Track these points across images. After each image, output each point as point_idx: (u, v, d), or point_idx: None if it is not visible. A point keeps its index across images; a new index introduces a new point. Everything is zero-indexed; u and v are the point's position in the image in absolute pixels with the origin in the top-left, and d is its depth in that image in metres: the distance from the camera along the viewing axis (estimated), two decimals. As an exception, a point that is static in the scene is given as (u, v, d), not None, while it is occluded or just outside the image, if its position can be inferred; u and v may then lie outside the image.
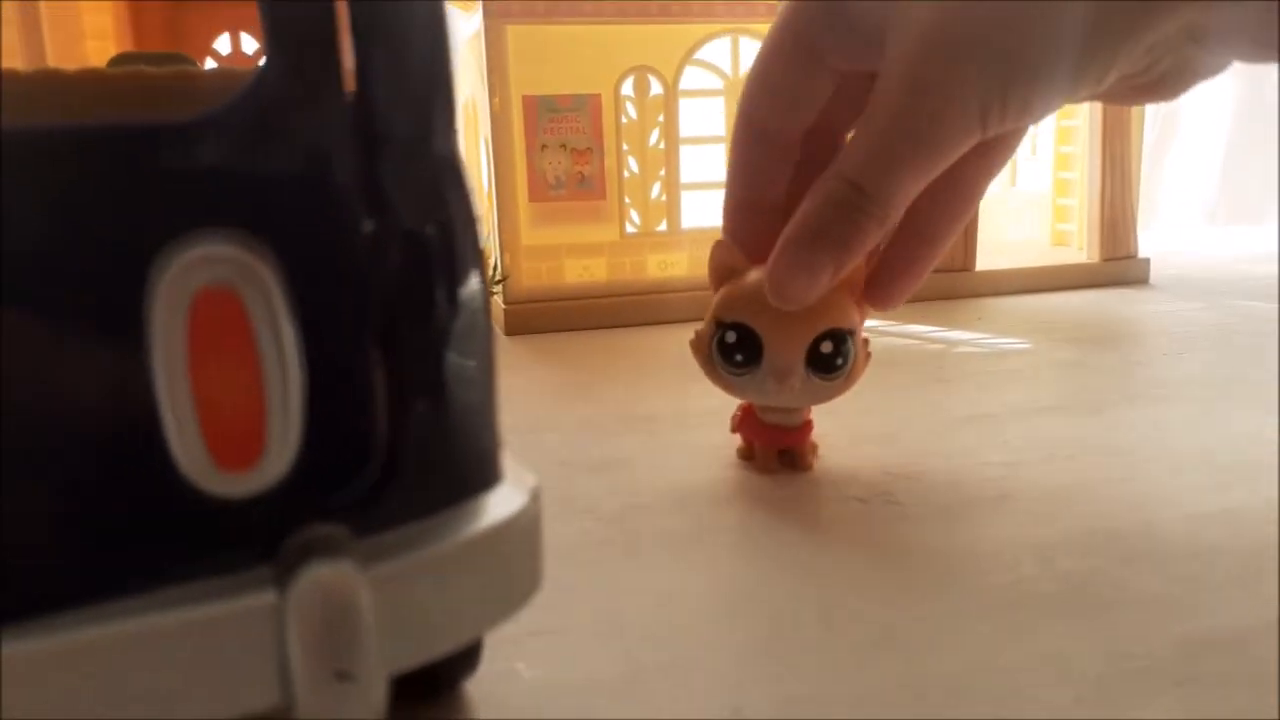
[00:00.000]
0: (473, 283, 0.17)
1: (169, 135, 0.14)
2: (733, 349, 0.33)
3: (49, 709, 0.13)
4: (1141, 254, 0.76)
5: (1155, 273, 0.76)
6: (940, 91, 0.27)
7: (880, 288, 0.34)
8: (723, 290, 0.34)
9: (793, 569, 0.28)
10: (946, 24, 0.26)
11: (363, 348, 0.15)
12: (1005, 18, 0.26)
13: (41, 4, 0.62)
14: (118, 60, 0.31)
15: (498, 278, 0.63)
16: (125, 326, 0.13)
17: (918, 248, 0.33)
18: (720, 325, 0.33)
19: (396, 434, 0.16)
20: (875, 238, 0.29)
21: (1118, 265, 0.75)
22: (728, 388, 0.34)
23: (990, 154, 0.31)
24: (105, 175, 0.13)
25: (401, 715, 0.21)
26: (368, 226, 0.15)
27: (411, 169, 0.16)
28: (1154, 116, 1.13)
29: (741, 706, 0.21)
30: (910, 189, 0.28)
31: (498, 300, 0.64)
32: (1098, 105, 0.73)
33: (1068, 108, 0.77)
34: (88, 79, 0.20)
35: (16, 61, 0.61)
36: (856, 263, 0.30)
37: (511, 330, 0.63)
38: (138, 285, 0.13)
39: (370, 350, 0.15)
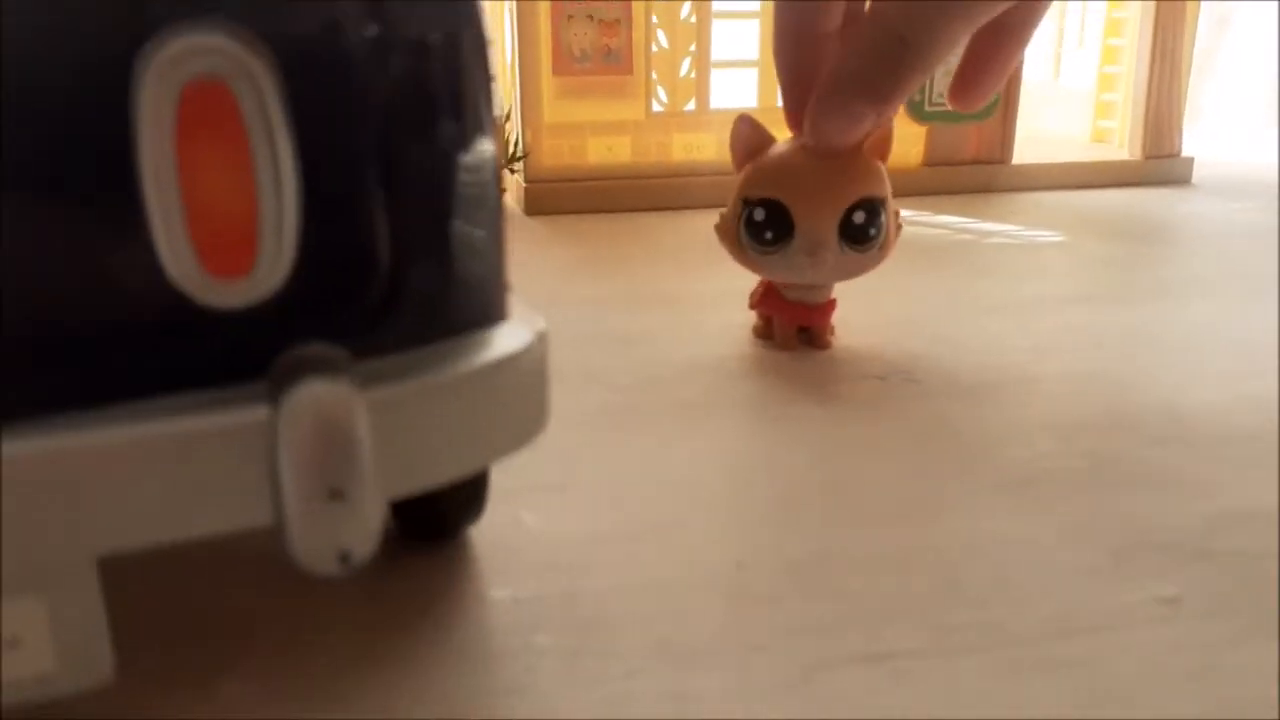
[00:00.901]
0: (480, 105, 0.16)
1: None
2: (762, 226, 0.32)
3: (38, 509, 0.13)
4: (1185, 153, 0.73)
5: (1198, 173, 0.74)
6: None
7: (966, 86, 0.32)
8: (747, 168, 0.33)
9: (805, 440, 0.27)
10: None
11: (361, 160, 0.14)
12: None
13: None
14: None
15: (518, 154, 0.61)
16: (112, 118, 0.13)
17: (1002, 40, 0.31)
18: (748, 203, 0.32)
19: (398, 255, 0.15)
20: (917, 86, 0.28)
21: (1160, 164, 0.72)
22: (757, 268, 0.33)
23: None
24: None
25: (407, 555, 0.21)
26: (369, 29, 0.14)
27: (417, -28, 0.15)
28: (1206, 18, 1.08)
29: (744, 562, 0.21)
30: (957, 39, 0.27)
31: (518, 179, 0.63)
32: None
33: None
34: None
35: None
36: (893, 113, 0.29)
37: (531, 210, 0.62)
38: (125, 75, 0.13)
39: (369, 164, 0.14)
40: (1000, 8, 0.27)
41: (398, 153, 0.15)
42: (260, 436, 0.14)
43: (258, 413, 0.14)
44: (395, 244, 0.15)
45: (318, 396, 0.13)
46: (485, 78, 0.16)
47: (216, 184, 0.13)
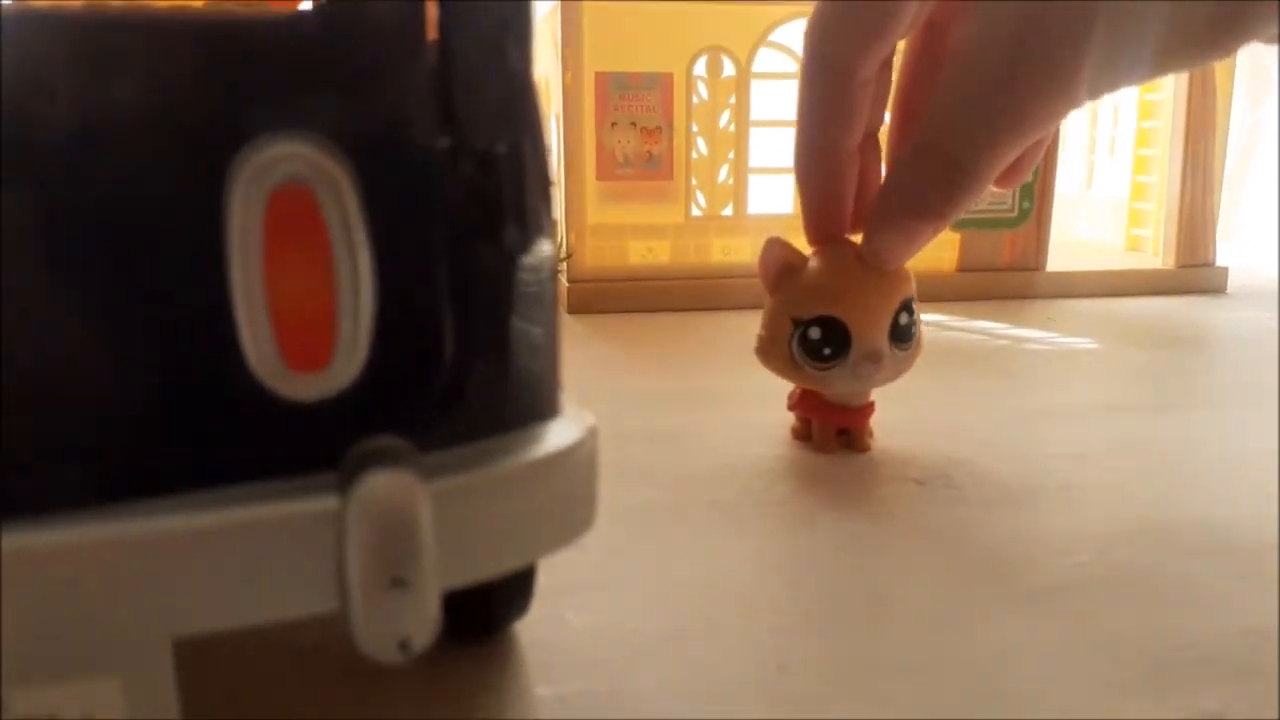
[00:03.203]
0: (540, 209, 0.17)
1: (251, 33, 0.14)
2: (819, 344, 0.32)
3: (119, 592, 0.13)
4: (1219, 263, 0.74)
5: (1233, 282, 0.74)
6: (1046, 64, 0.25)
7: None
8: (789, 290, 0.33)
9: (844, 543, 0.28)
10: None
11: (432, 262, 0.15)
12: None
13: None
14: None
15: (562, 255, 0.63)
16: (205, 220, 0.14)
17: None
18: (799, 323, 0.32)
19: (462, 353, 0.16)
20: (970, 204, 0.29)
21: (1194, 273, 0.73)
22: (815, 383, 0.34)
23: None
24: (191, 68, 0.14)
25: (453, 652, 0.22)
26: (440, 141, 0.15)
27: (485, 87, 0.16)
28: (1240, 126, 1.10)
29: (787, 665, 0.21)
30: (1007, 159, 0.27)
31: (561, 278, 0.64)
32: (1181, 108, 0.71)
33: (1150, 108, 0.75)
34: (179, 13, 0.21)
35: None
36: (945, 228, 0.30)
37: (574, 309, 0.63)
38: (218, 180, 0.14)
39: (439, 266, 0.15)
40: (1045, 130, 0.27)
41: (465, 255, 0.16)
42: (329, 525, 0.14)
43: (327, 502, 0.14)
44: (459, 341, 0.16)
45: (384, 487, 0.14)
46: (545, 183, 0.17)
47: (299, 281, 0.14)
